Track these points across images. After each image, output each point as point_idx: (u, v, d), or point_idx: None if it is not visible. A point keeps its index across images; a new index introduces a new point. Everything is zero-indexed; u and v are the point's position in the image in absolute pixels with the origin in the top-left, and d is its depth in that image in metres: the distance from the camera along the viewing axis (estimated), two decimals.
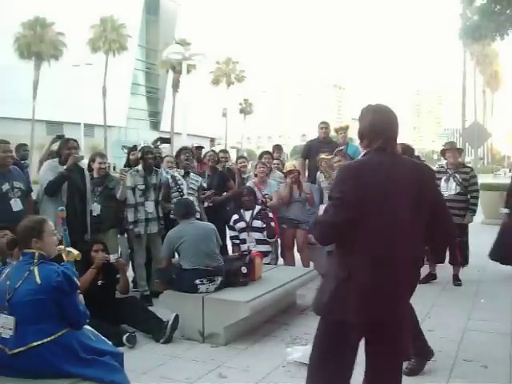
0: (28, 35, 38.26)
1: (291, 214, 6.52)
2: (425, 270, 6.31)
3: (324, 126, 7.74)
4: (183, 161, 6.30)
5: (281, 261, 6.74)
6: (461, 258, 6.36)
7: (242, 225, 6.12)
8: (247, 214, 6.14)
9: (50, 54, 38.64)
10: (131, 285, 5.77)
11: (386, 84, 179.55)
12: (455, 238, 5.68)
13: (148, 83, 59.38)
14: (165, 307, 4.72)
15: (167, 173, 6.21)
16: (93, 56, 41.38)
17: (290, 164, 6.94)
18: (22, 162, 6.60)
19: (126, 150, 6.79)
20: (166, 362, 4.00)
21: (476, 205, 6.43)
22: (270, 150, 8.00)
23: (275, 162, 7.43)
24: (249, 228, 6.08)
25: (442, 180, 6.33)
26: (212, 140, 55.93)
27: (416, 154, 7.83)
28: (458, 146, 7.12)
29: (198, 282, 4.53)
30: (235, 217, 6.17)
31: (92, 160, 6.02)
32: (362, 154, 2.51)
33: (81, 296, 3.01)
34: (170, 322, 4.38)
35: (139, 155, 5.88)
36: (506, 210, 6.86)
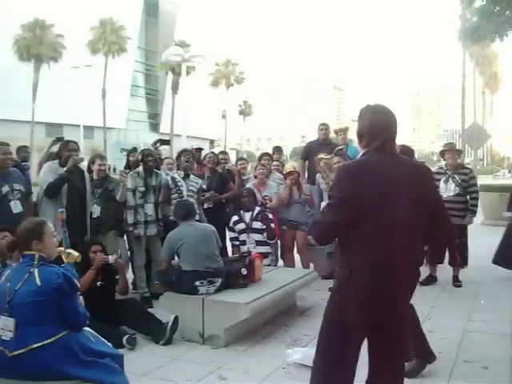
0: (27, 37, 38.35)
1: (291, 216, 6.52)
2: (425, 272, 6.31)
3: (324, 127, 7.75)
4: (183, 162, 6.30)
5: (281, 262, 6.73)
6: (460, 260, 6.35)
7: (241, 226, 6.12)
8: (247, 216, 6.14)
9: (49, 55, 38.73)
10: (131, 287, 5.78)
11: (385, 85, 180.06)
12: (454, 239, 5.69)
13: (147, 85, 59.43)
14: (165, 309, 4.72)
15: (167, 174, 6.23)
16: (92, 58, 41.43)
17: (290, 165, 6.94)
18: (23, 164, 6.60)
19: (125, 153, 6.79)
20: (166, 363, 4.00)
21: (476, 206, 6.43)
22: (270, 151, 8.00)
23: (275, 163, 7.43)
24: (248, 229, 6.08)
25: (441, 181, 6.33)
26: (211, 142, 56.04)
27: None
28: (458, 148, 7.11)
29: (197, 283, 4.53)
30: (235, 218, 6.17)
31: (92, 162, 6.03)
32: (360, 154, 2.52)
33: (81, 298, 3.01)
34: (170, 324, 4.38)
35: (139, 158, 5.89)
36: (509, 214, 6.85)
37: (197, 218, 5.67)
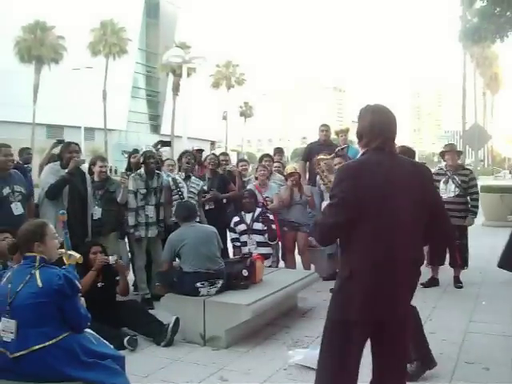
0: (28, 39, 38.37)
1: (292, 217, 6.52)
2: (427, 274, 6.29)
3: (324, 128, 7.75)
4: (184, 164, 6.30)
5: (282, 263, 6.73)
6: (460, 261, 6.34)
7: (242, 227, 6.12)
8: (248, 217, 6.14)
9: (50, 57, 38.74)
10: (132, 288, 5.78)
11: (386, 86, 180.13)
12: (454, 239, 5.69)
13: (148, 86, 59.45)
14: (166, 310, 4.72)
15: (168, 176, 6.23)
16: (93, 59, 41.42)
17: (291, 167, 6.94)
18: (26, 165, 6.61)
19: (126, 155, 6.79)
20: (167, 365, 4.00)
21: (477, 207, 6.43)
22: (271, 152, 8.00)
23: (276, 164, 7.44)
24: (249, 230, 6.08)
25: (441, 182, 6.32)
26: (212, 143, 56.08)
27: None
28: (458, 149, 7.10)
29: (199, 285, 4.53)
30: (236, 219, 6.18)
31: (93, 163, 6.03)
32: (360, 154, 2.52)
33: (82, 299, 3.01)
34: (171, 325, 4.38)
35: (141, 160, 5.89)
36: None
37: (197, 219, 5.67)
